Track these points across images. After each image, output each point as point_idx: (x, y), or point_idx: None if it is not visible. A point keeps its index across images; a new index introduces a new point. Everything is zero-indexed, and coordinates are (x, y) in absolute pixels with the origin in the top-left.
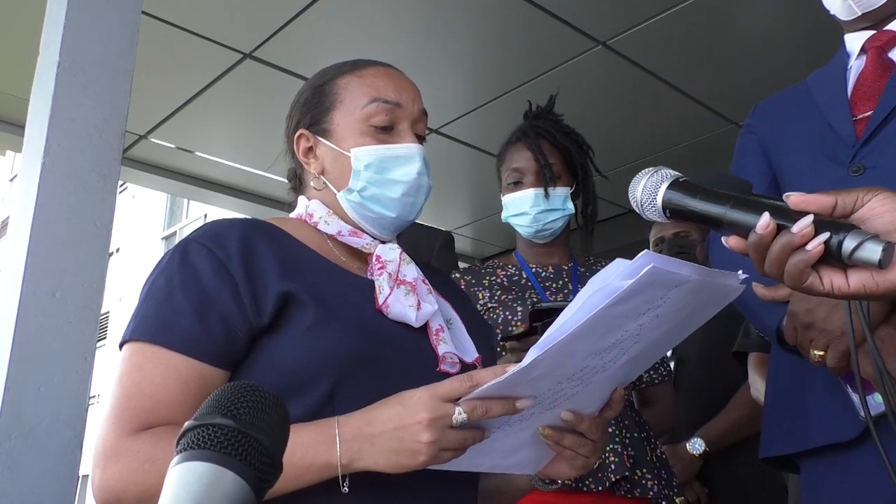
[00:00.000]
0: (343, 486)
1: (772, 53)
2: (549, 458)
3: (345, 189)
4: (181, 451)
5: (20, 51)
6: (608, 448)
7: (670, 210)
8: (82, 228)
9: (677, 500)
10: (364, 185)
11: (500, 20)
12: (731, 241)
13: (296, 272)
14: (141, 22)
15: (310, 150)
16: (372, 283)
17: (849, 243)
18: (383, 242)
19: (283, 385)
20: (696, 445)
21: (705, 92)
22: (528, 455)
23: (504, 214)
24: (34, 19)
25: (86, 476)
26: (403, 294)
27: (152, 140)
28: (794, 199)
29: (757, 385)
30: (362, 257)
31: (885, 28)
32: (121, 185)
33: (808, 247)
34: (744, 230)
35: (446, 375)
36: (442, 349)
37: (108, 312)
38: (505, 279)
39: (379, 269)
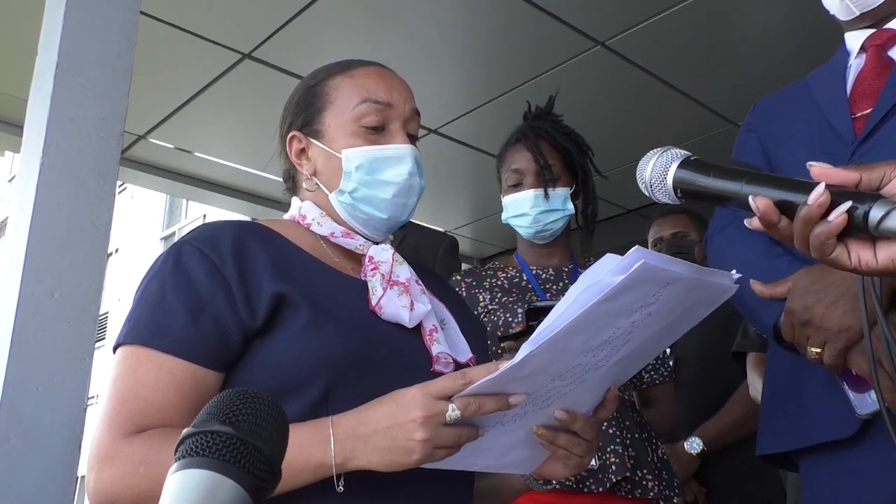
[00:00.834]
0: (338, 486)
1: (771, 53)
2: (544, 458)
3: (336, 190)
4: (180, 459)
5: (19, 51)
6: (609, 449)
7: (682, 190)
8: (81, 229)
9: (675, 501)
10: (355, 187)
11: (498, 20)
12: (753, 222)
13: (289, 274)
14: (140, 22)
15: (302, 151)
16: (365, 284)
17: (875, 213)
18: (376, 243)
19: (277, 386)
20: (693, 445)
21: (704, 92)
22: (522, 454)
23: (504, 215)
24: (33, 19)
25: (84, 476)
26: (397, 295)
27: (151, 140)
28: (816, 169)
29: (755, 385)
30: (355, 258)
31: (884, 27)
32: (119, 186)
33: (831, 217)
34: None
35: (440, 376)
36: (436, 349)
37: (106, 313)
38: (505, 281)
39: (372, 269)
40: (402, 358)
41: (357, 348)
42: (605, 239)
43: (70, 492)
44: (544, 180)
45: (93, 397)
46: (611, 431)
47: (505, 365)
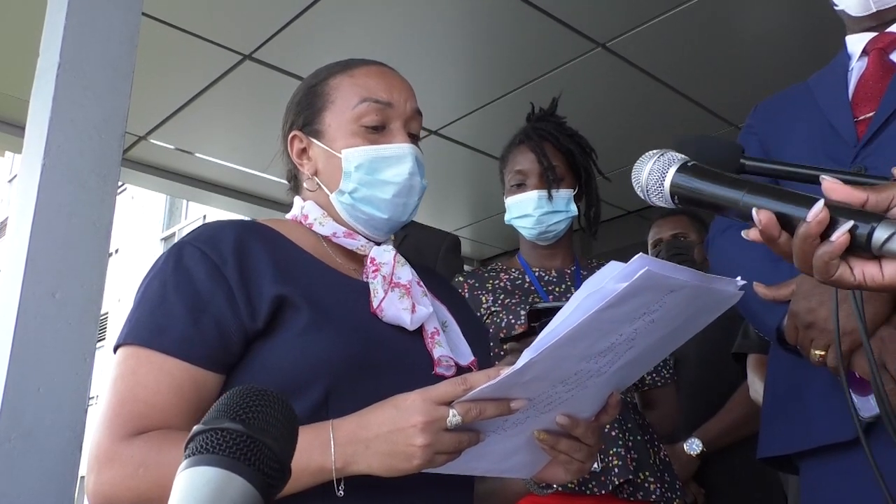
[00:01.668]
0: (339, 490)
1: (771, 56)
2: (545, 462)
3: (336, 190)
4: (189, 456)
5: (20, 52)
6: (611, 451)
7: (679, 196)
8: (82, 229)
9: (676, 503)
10: (355, 187)
11: (499, 22)
12: (751, 234)
13: (290, 275)
14: (141, 23)
15: (303, 151)
16: (367, 285)
17: (880, 234)
18: (378, 244)
19: (278, 389)
20: (693, 446)
21: (705, 94)
22: (523, 459)
23: (507, 216)
24: (34, 21)
25: (85, 477)
26: (398, 297)
27: (152, 141)
28: (826, 183)
29: (756, 386)
30: (357, 259)
31: (886, 30)
32: (120, 186)
33: (833, 236)
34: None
35: (441, 379)
36: (437, 352)
37: (107, 313)
38: (508, 283)
39: (373, 271)
40: (403, 361)
41: (358, 351)
42: (606, 241)
43: (71, 492)
44: (548, 182)
45: (94, 398)
46: (613, 434)
47: (506, 371)
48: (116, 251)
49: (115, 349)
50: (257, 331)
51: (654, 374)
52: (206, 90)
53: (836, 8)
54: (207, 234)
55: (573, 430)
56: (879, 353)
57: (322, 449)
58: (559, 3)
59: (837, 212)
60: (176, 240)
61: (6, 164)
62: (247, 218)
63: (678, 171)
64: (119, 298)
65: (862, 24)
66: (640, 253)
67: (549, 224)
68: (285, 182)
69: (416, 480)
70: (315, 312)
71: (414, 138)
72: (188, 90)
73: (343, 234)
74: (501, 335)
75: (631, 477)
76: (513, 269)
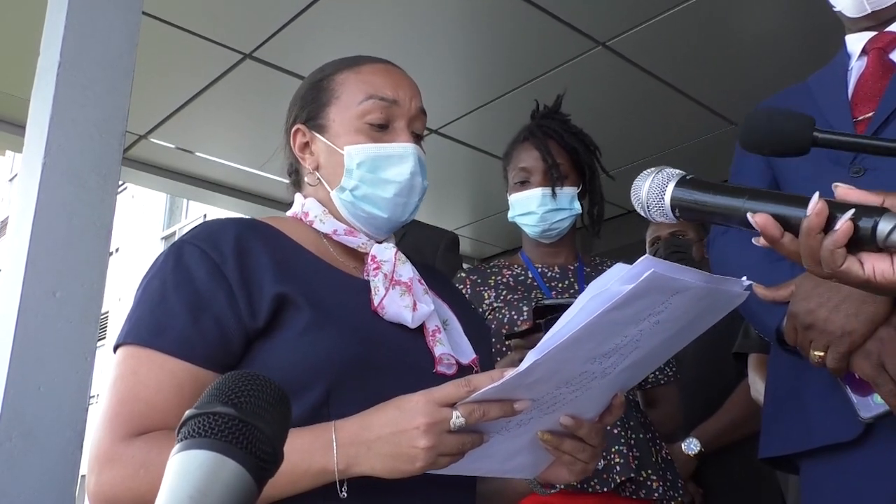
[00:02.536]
0: (342, 492)
1: (772, 54)
2: (548, 463)
3: (337, 187)
4: (182, 440)
5: (21, 51)
6: (613, 449)
7: (680, 209)
8: (82, 228)
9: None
10: (356, 184)
11: (499, 21)
12: (760, 240)
13: (291, 274)
14: (141, 22)
15: (306, 145)
16: (367, 283)
17: (884, 226)
18: (379, 241)
19: None
20: (691, 446)
21: (705, 93)
22: (526, 459)
23: (511, 214)
24: (35, 19)
25: (86, 476)
26: (399, 295)
27: (152, 140)
28: (841, 189)
29: (757, 386)
30: (358, 257)
31: (886, 30)
32: (120, 185)
33: (837, 225)
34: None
35: (443, 377)
36: (438, 350)
37: (107, 312)
38: (511, 279)
39: (374, 269)
40: (405, 359)
41: (359, 350)
42: (606, 239)
43: (71, 492)
44: (552, 179)
45: (94, 397)
46: (615, 432)
47: (510, 373)
48: (117, 250)
49: (116, 349)
50: (258, 330)
51: (656, 373)
52: (206, 89)
53: (834, 9)
54: (207, 233)
55: (577, 431)
56: (879, 353)
57: (324, 450)
58: (559, 2)
59: (838, 207)
60: (176, 239)
61: (7, 163)
62: (247, 217)
63: (677, 185)
64: (119, 297)
65: (860, 24)
66: (646, 255)
67: (552, 222)
68: (286, 181)
69: (417, 481)
70: (316, 311)
71: (417, 138)
72: (189, 89)
73: (344, 232)
74: (503, 331)
75: (633, 475)
76: (515, 266)
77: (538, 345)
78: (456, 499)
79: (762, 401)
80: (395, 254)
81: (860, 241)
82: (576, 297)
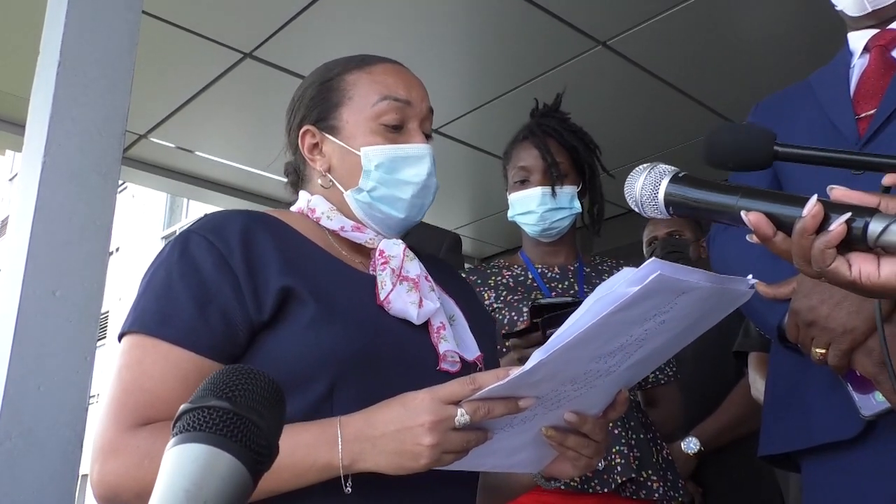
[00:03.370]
0: (346, 487)
1: (772, 53)
2: (552, 458)
3: (353, 188)
4: (177, 434)
5: (20, 50)
6: (614, 449)
7: (673, 205)
8: (83, 228)
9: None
10: (374, 185)
11: (500, 20)
12: (754, 237)
13: (297, 266)
14: (141, 21)
15: (315, 146)
16: (373, 278)
17: (875, 226)
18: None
19: (282, 381)
20: (690, 445)
21: (705, 92)
22: (530, 455)
23: (510, 213)
24: (34, 19)
25: (86, 475)
26: (406, 290)
27: (152, 140)
28: (837, 192)
29: (757, 385)
30: (364, 252)
31: (888, 27)
32: (120, 185)
33: (831, 226)
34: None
35: (446, 374)
36: (443, 347)
37: (107, 312)
38: (510, 279)
39: (382, 263)
40: (409, 355)
41: (363, 344)
42: (606, 238)
43: (71, 491)
44: (552, 178)
45: (94, 396)
46: (616, 432)
47: (515, 371)
48: (117, 250)
49: (120, 337)
50: (263, 322)
51: (656, 372)
52: (206, 88)
53: (835, 8)
54: (214, 224)
55: (581, 427)
56: (880, 351)
57: (329, 446)
58: (560, 1)
59: (832, 208)
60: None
61: (7, 162)
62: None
63: (671, 181)
64: (120, 297)
65: (861, 23)
66: (654, 257)
67: (552, 221)
68: (286, 180)
69: (419, 477)
70: (321, 305)
71: (427, 137)
72: (189, 88)
73: (351, 229)
74: (504, 331)
75: (633, 475)
76: (515, 266)
77: (545, 345)
78: (457, 494)
79: (762, 400)
80: (404, 250)
81: (851, 241)
82: (573, 297)
